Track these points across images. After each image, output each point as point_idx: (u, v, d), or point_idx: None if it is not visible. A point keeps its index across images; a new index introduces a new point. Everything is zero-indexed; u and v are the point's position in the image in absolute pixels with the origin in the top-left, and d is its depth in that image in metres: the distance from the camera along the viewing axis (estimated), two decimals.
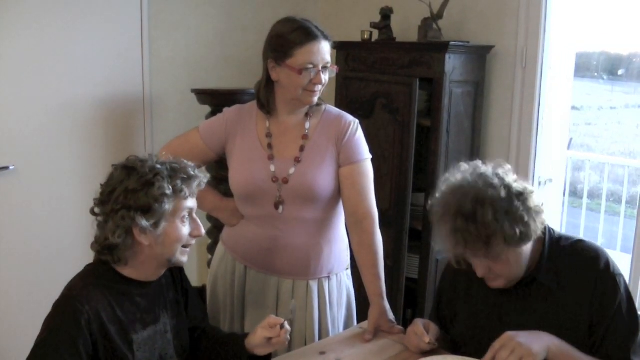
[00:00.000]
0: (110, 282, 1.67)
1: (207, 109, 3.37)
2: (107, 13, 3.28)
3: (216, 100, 3.33)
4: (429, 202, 1.75)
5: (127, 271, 1.69)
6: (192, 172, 1.68)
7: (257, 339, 1.78)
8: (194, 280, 3.86)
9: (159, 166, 1.63)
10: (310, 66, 1.97)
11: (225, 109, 2.21)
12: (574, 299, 1.71)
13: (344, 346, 1.96)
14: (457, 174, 1.73)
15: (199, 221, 1.74)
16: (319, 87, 2.02)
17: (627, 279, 2.89)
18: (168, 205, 1.62)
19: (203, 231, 1.75)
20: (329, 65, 2.02)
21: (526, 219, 1.63)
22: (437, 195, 1.73)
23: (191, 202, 1.70)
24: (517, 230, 1.61)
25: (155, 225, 1.62)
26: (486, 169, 1.72)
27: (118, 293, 1.67)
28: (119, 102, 3.45)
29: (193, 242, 1.74)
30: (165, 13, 3.50)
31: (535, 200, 1.67)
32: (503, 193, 1.63)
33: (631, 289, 2.89)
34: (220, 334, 1.98)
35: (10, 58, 3.04)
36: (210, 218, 3.44)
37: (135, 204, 1.59)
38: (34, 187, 3.19)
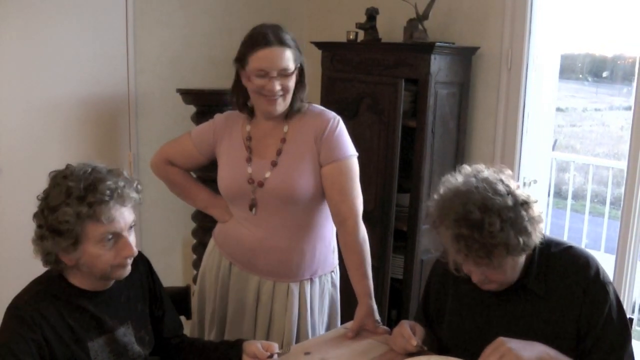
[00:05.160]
0: (59, 291, 1.65)
1: (192, 108, 3.36)
2: (92, 12, 3.26)
3: (201, 100, 3.32)
4: (428, 202, 1.70)
5: (77, 280, 1.67)
6: (106, 197, 1.56)
7: None
8: (179, 280, 3.84)
9: (72, 184, 1.55)
10: (262, 73, 1.95)
11: (216, 115, 2.24)
12: (562, 306, 1.68)
13: (328, 346, 1.96)
14: (458, 176, 1.68)
15: (129, 242, 1.62)
16: (276, 96, 1.99)
17: (610, 279, 2.92)
18: (78, 228, 1.55)
19: (134, 251, 1.64)
20: (288, 72, 1.98)
21: (529, 229, 1.59)
22: (437, 196, 1.68)
23: (111, 227, 1.58)
24: (521, 241, 1.57)
25: (74, 246, 1.57)
26: (489, 173, 1.67)
27: (67, 302, 1.65)
28: (104, 102, 3.42)
29: (128, 260, 1.66)
30: (151, 12, 3.48)
31: (536, 210, 1.63)
32: (510, 201, 1.58)
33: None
34: (205, 344, 1.98)
35: None
36: (194, 218, 3.44)
37: (48, 224, 1.56)
38: (20, 188, 3.14)
